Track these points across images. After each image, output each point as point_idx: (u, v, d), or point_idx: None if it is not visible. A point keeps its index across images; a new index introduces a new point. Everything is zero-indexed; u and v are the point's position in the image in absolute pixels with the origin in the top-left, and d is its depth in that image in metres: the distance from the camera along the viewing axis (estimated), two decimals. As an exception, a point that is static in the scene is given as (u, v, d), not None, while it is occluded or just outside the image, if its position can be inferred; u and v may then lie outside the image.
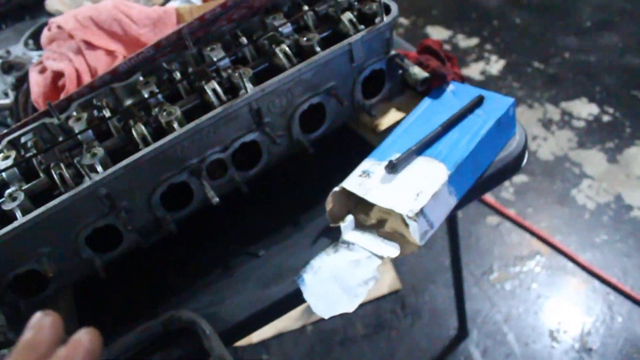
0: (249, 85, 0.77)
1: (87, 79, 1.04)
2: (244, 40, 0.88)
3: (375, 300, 2.04)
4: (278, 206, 0.89)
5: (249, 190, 0.84)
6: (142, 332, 0.76)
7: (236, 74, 0.78)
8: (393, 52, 0.87)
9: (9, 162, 0.80)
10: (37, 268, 0.74)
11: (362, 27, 0.85)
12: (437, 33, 3.33)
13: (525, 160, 0.92)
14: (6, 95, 1.18)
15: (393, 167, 0.79)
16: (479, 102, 0.87)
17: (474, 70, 2.99)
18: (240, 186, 0.83)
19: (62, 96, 0.97)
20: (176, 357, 0.77)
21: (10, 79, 1.18)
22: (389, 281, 2.07)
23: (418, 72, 0.89)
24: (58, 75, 1.05)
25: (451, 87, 0.93)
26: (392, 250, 0.76)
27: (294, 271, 0.79)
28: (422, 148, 0.82)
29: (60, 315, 0.76)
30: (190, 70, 0.88)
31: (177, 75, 0.85)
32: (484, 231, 2.18)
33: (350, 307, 0.73)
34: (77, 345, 0.44)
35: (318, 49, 0.82)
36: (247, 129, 0.80)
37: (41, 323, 0.45)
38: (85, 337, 0.45)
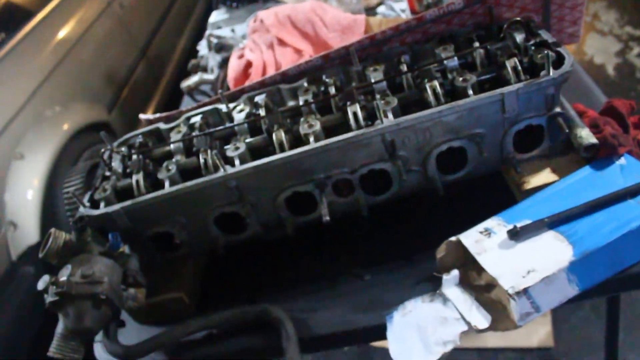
0: (388, 117, 0.78)
1: (271, 71, 1.14)
2: (404, 67, 0.88)
3: (519, 350, 1.89)
4: (395, 237, 0.89)
5: (371, 215, 0.86)
6: (237, 314, 0.84)
7: (380, 102, 0.79)
8: (557, 110, 0.79)
9: (178, 137, 0.93)
10: (172, 231, 0.86)
11: (527, 77, 0.79)
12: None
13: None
14: (212, 71, 1.35)
15: (515, 235, 0.74)
16: (646, 187, 0.76)
17: None
18: (362, 209, 0.85)
19: (247, 82, 1.08)
20: (254, 346, 0.83)
21: (218, 57, 1.35)
22: (541, 335, 1.89)
23: (585, 136, 0.80)
24: (250, 63, 1.17)
25: (622, 160, 0.81)
26: (482, 321, 0.71)
27: (388, 305, 0.79)
28: (556, 222, 0.75)
29: (183, 276, 0.88)
30: (347, 86, 0.91)
31: (332, 89, 0.89)
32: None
33: (423, 360, 0.71)
34: None
35: (470, 92, 0.78)
36: (379, 157, 0.81)
37: None
38: None
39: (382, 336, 0.78)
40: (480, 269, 0.79)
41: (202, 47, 1.51)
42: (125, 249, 0.83)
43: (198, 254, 0.92)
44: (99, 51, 2.49)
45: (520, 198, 0.85)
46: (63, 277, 0.74)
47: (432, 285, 0.80)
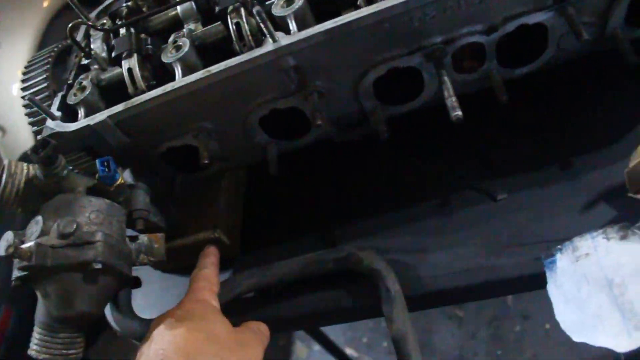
0: None
1: None
2: None
3: None
4: (539, 132, 0.57)
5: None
6: (308, 264, 0.55)
7: None
8: None
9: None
10: (193, 144, 0.55)
11: None
12: None
13: None
14: None
15: None
16: None
17: None
18: (499, 91, 0.52)
19: None
20: (339, 307, 0.56)
21: None
22: None
23: None
24: None
25: None
26: None
27: (541, 241, 0.50)
28: None
29: (218, 206, 0.60)
30: None
31: None
32: None
33: (619, 343, 0.43)
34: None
35: None
36: (535, 3, 0.47)
37: None
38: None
39: (536, 289, 0.50)
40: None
41: None
42: (124, 177, 0.53)
43: (236, 168, 0.62)
44: None
45: None
46: (29, 239, 0.45)
47: (613, 210, 0.50)
